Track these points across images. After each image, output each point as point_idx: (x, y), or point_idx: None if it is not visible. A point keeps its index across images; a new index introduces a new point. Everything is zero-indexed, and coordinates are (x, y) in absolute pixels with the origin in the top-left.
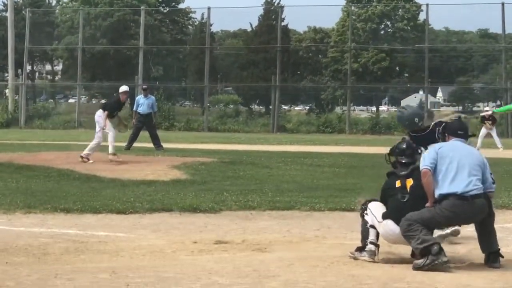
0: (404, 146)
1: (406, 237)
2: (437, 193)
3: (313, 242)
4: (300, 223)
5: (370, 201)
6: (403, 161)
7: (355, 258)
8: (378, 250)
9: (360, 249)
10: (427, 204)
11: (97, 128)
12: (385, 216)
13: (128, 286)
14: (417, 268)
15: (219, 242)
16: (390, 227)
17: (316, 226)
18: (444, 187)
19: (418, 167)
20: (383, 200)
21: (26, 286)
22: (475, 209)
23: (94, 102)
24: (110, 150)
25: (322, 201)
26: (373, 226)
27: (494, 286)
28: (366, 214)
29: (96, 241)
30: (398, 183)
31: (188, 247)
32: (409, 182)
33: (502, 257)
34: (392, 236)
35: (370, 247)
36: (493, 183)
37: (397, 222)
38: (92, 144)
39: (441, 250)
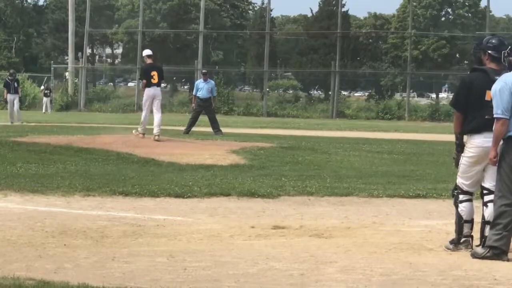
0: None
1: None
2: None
3: (370, 229)
4: (358, 210)
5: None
6: (495, 56)
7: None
8: (472, 240)
9: (455, 242)
10: (490, 156)
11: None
12: (469, 132)
13: (186, 270)
14: (475, 257)
15: (277, 227)
16: (477, 141)
17: (374, 212)
18: None
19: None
20: (465, 98)
21: (84, 268)
22: None
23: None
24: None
25: (380, 188)
26: (467, 221)
27: None
28: (460, 202)
29: (153, 225)
30: (488, 95)
31: (246, 231)
32: None
33: None
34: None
35: (465, 239)
36: None
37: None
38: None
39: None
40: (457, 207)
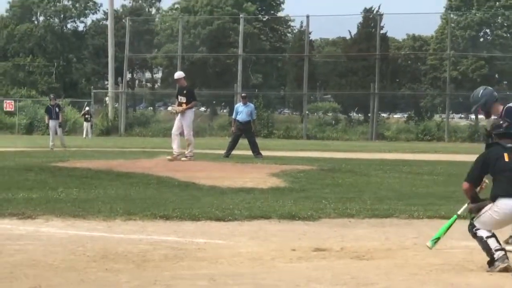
0: (500, 121)
1: None
2: None
3: (411, 250)
4: (398, 231)
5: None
6: (503, 127)
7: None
8: (506, 252)
9: (491, 262)
10: None
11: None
12: (495, 197)
13: None
14: None
15: (318, 250)
16: (504, 204)
17: (415, 234)
18: None
19: None
20: (480, 171)
21: None
22: None
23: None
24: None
25: (420, 209)
26: (489, 237)
27: None
28: (477, 230)
29: (195, 248)
30: (506, 157)
31: (287, 254)
32: None
33: None
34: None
35: (498, 253)
36: None
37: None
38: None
39: None
40: (474, 234)
